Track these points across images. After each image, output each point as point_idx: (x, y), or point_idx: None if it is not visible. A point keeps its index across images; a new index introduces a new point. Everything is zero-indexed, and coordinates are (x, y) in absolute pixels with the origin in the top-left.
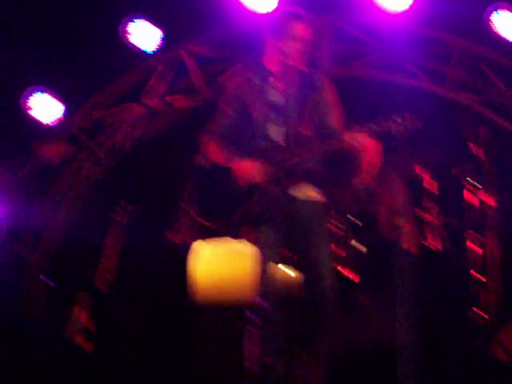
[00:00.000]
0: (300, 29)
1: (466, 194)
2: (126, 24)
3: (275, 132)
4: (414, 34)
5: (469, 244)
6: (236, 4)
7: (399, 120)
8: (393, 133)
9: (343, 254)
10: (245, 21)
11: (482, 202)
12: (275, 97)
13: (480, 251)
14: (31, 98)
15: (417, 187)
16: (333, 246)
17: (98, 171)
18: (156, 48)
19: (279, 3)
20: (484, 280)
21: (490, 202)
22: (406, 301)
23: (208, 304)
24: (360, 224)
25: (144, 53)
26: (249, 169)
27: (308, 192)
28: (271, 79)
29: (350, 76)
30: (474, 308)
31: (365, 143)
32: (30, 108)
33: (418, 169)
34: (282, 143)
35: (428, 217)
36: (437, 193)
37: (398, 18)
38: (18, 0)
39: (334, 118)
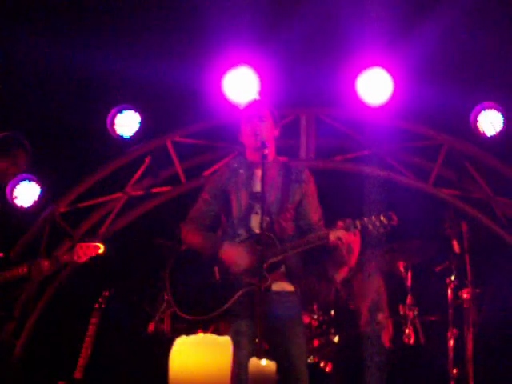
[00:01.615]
0: (265, 111)
1: (449, 292)
2: (113, 115)
3: (258, 223)
4: (398, 130)
5: (449, 340)
6: (220, 97)
7: (384, 219)
8: (374, 231)
9: (317, 344)
10: (230, 112)
11: (462, 299)
12: (259, 188)
13: (451, 345)
14: (18, 187)
15: (399, 284)
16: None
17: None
18: (141, 138)
19: (260, 94)
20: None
21: (469, 297)
22: None
23: None
24: (338, 317)
25: (128, 142)
26: (239, 257)
27: (283, 285)
28: (256, 171)
29: (333, 169)
30: None
31: (346, 240)
32: (15, 197)
33: (401, 266)
34: (266, 235)
35: (408, 313)
36: (418, 290)
37: (383, 113)
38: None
39: (316, 214)
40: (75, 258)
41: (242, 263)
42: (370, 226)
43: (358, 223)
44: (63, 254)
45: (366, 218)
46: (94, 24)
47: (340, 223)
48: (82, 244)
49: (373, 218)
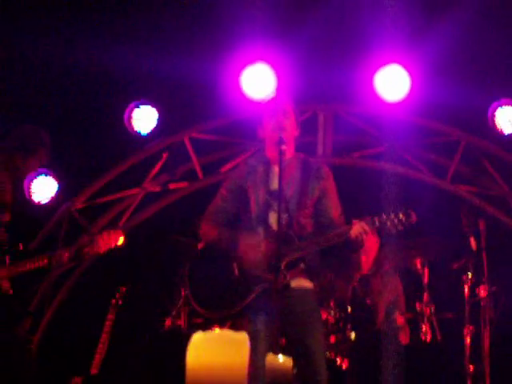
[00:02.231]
0: (290, 108)
1: (465, 290)
2: (130, 110)
3: (276, 220)
4: (415, 126)
5: (465, 337)
6: (238, 93)
7: (402, 217)
8: (392, 229)
9: (333, 340)
10: (247, 109)
11: (478, 297)
12: (277, 185)
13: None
14: (35, 181)
15: (416, 281)
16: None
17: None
18: (159, 134)
19: (278, 91)
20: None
21: (486, 295)
22: None
23: None
24: (355, 314)
25: (146, 138)
26: (255, 246)
27: (302, 282)
28: (274, 168)
29: (350, 165)
30: None
31: (364, 237)
32: (32, 193)
33: (418, 263)
34: (284, 232)
35: (425, 310)
36: (435, 287)
37: (401, 110)
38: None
39: (337, 210)
40: (96, 248)
41: (260, 253)
42: (389, 224)
43: (376, 221)
44: (84, 244)
45: (384, 216)
46: (112, 19)
47: (356, 222)
48: (102, 234)
49: (391, 215)
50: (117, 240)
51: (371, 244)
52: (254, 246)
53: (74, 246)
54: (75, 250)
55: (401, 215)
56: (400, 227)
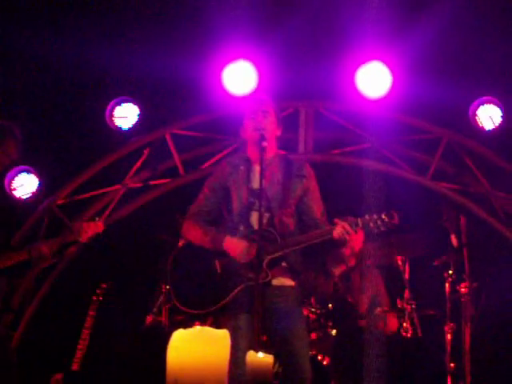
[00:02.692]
0: (270, 107)
1: (446, 286)
2: (112, 107)
3: (258, 220)
4: (396, 123)
5: (446, 334)
6: (220, 90)
7: (385, 218)
8: (375, 230)
9: (314, 337)
10: (229, 105)
11: (459, 294)
12: (259, 184)
13: (449, 340)
14: (16, 178)
15: (397, 278)
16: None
17: (75, 250)
18: (140, 131)
19: (258, 86)
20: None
21: (467, 291)
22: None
23: None
24: (336, 311)
25: (127, 134)
26: (242, 247)
27: (284, 280)
28: (256, 167)
29: (331, 162)
30: None
31: (347, 237)
32: (14, 189)
33: (399, 259)
34: (266, 231)
35: (406, 307)
36: (416, 284)
37: (382, 107)
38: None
39: (319, 209)
40: (76, 235)
41: (247, 254)
42: (372, 225)
43: (359, 221)
44: (65, 238)
45: (367, 217)
46: (92, 16)
47: (338, 222)
48: (81, 223)
49: (374, 216)
50: (97, 228)
51: (354, 243)
52: (239, 242)
53: (56, 240)
54: (57, 244)
55: (383, 216)
56: (382, 228)
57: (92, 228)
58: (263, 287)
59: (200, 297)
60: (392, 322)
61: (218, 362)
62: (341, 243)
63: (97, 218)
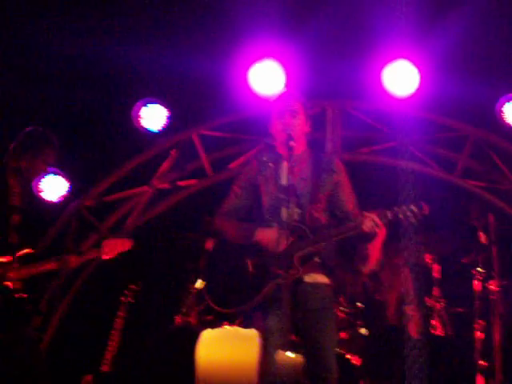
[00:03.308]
0: (299, 107)
1: (475, 284)
2: (138, 108)
3: (289, 216)
4: (424, 121)
5: (476, 331)
6: (247, 90)
7: (415, 209)
8: (405, 221)
9: (344, 336)
10: (256, 105)
11: (489, 291)
12: (289, 180)
13: (482, 337)
14: (43, 180)
15: (426, 276)
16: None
17: None
18: (167, 132)
19: (285, 86)
20: (486, 366)
21: (497, 289)
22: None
23: None
24: (365, 310)
25: (155, 136)
26: (275, 237)
27: (316, 277)
28: (285, 163)
29: (359, 161)
30: None
31: (377, 230)
32: (41, 191)
33: (427, 258)
34: (297, 226)
35: (436, 305)
36: (445, 281)
37: (409, 105)
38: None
39: (351, 202)
40: (102, 254)
41: (280, 242)
42: (401, 216)
43: (388, 213)
44: (90, 250)
45: (396, 208)
46: (120, 17)
47: (367, 215)
48: (110, 241)
49: (403, 207)
50: (124, 247)
51: (384, 237)
52: (271, 231)
53: (81, 251)
54: (82, 255)
55: (413, 207)
56: (412, 219)
57: (120, 246)
58: (295, 284)
59: (232, 296)
60: (418, 323)
61: (247, 362)
62: (370, 236)
63: (125, 236)
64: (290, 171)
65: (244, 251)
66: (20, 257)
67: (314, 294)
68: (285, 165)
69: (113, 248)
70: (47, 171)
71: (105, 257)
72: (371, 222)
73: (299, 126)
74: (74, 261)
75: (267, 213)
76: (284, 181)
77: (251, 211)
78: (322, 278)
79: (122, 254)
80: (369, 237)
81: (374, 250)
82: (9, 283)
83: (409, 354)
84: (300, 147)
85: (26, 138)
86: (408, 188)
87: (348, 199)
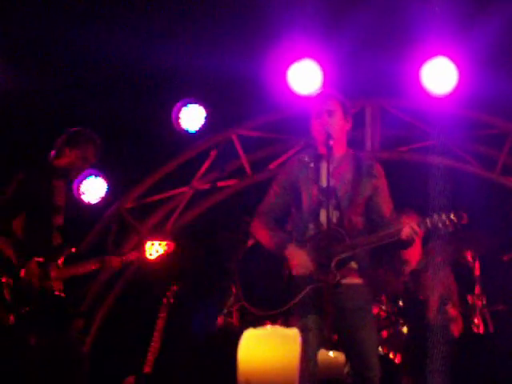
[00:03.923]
0: (335, 105)
1: None
2: (178, 109)
3: (327, 218)
4: (463, 119)
5: None
6: (285, 90)
7: (454, 218)
8: (443, 230)
9: (385, 335)
10: (295, 105)
11: None
12: (329, 182)
13: None
14: (84, 182)
15: (467, 273)
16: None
17: None
18: (207, 132)
19: (323, 85)
20: None
21: None
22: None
23: None
24: (407, 308)
25: (194, 136)
26: (302, 260)
27: (353, 279)
28: (325, 164)
29: (399, 160)
30: None
31: (415, 238)
32: (82, 193)
33: (468, 255)
34: (335, 230)
35: (477, 302)
36: (486, 279)
37: (448, 103)
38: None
39: (388, 208)
40: (145, 255)
41: (305, 267)
42: (440, 225)
43: (428, 222)
44: (131, 251)
45: (435, 217)
46: (158, 17)
47: (407, 222)
48: (153, 241)
49: (443, 216)
50: (168, 249)
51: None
52: (299, 254)
53: (124, 253)
54: (125, 257)
55: (452, 216)
56: (451, 228)
57: (162, 248)
58: (332, 288)
59: (268, 298)
60: (459, 322)
61: (289, 361)
62: (408, 243)
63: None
64: (331, 173)
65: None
66: (63, 257)
67: (350, 294)
68: (325, 166)
69: (157, 249)
70: (85, 171)
71: (148, 258)
72: (410, 229)
73: (337, 124)
74: (115, 261)
75: (306, 214)
76: (324, 182)
77: (289, 211)
78: (357, 280)
79: (164, 256)
80: (407, 244)
81: (413, 254)
82: (51, 283)
83: (450, 353)
84: (340, 147)
85: (70, 138)
86: (446, 187)
87: (385, 205)
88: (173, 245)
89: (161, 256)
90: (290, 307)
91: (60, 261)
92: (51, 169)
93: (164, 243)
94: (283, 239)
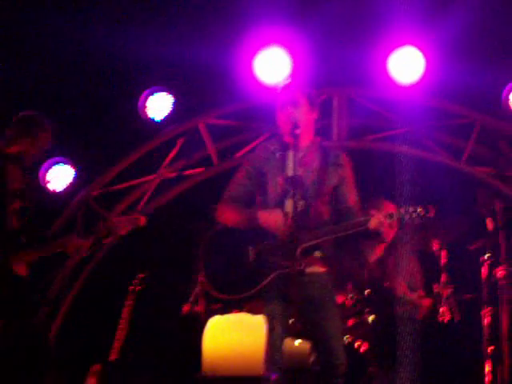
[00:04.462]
0: (300, 97)
1: (483, 270)
2: (145, 97)
3: (293, 207)
4: (430, 108)
5: (484, 318)
6: (252, 78)
7: (421, 211)
8: (410, 222)
9: (351, 323)
10: (262, 93)
11: (497, 277)
12: (296, 172)
13: (490, 323)
14: (51, 170)
15: (433, 263)
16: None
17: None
18: (174, 121)
19: (290, 74)
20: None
21: (504, 275)
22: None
23: (218, 376)
24: (373, 296)
25: (161, 125)
26: (278, 216)
27: (317, 267)
28: (291, 153)
29: (365, 149)
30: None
31: (382, 230)
32: (48, 182)
33: (435, 244)
34: (301, 218)
35: (443, 291)
36: (452, 268)
37: (415, 92)
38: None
39: (354, 198)
40: (115, 229)
41: (284, 224)
42: (407, 217)
43: (394, 214)
44: (100, 232)
45: (403, 209)
46: (125, 5)
47: (374, 214)
48: (121, 217)
49: (410, 209)
50: (137, 222)
51: (389, 230)
52: (274, 213)
53: (92, 235)
54: (93, 239)
55: (419, 209)
56: (417, 221)
57: (132, 222)
58: (296, 276)
59: (233, 283)
60: (426, 304)
61: (254, 349)
62: (375, 234)
63: (136, 213)
64: (298, 162)
65: (246, 239)
66: (26, 240)
67: (314, 283)
68: (292, 155)
69: (126, 223)
70: (54, 159)
71: (118, 231)
72: (377, 221)
73: (302, 114)
74: (76, 241)
75: (271, 203)
76: (290, 172)
77: (254, 199)
78: (322, 269)
79: (135, 230)
80: (373, 234)
81: (379, 244)
82: (11, 267)
83: (416, 341)
84: (307, 136)
85: (19, 124)
86: (413, 176)
87: (351, 194)
88: (145, 218)
89: (133, 230)
90: (255, 293)
91: (21, 245)
92: (3, 156)
93: (133, 217)
94: (252, 210)
